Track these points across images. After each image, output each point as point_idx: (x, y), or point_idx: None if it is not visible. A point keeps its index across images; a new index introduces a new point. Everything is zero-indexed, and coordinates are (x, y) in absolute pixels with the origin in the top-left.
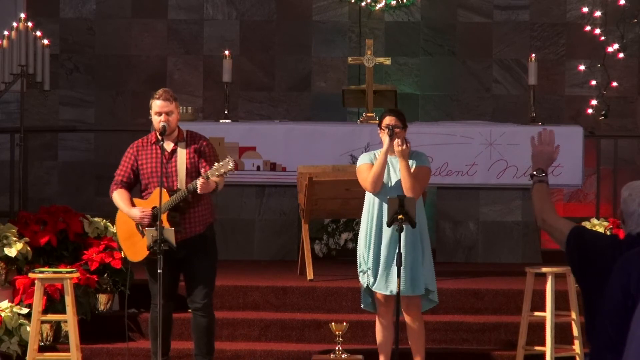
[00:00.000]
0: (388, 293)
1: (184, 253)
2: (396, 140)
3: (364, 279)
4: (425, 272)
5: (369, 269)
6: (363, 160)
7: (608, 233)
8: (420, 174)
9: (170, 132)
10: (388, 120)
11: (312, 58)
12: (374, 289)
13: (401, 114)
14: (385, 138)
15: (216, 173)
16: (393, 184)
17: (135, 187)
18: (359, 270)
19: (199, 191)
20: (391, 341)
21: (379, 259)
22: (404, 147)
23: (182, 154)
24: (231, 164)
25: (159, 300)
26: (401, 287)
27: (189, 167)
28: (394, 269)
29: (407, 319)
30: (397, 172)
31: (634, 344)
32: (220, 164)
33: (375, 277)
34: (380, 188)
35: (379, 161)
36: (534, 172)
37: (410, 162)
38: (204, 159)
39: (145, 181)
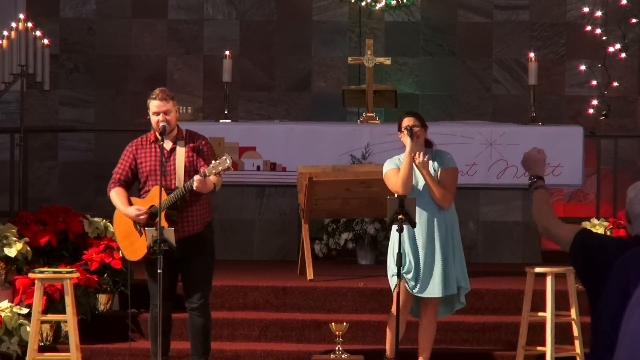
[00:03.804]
0: (429, 296)
1: (182, 253)
2: (416, 153)
3: (393, 282)
4: (456, 271)
5: (408, 272)
6: (389, 166)
7: (608, 233)
8: (448, 177)
9: (170, 131)
10: (407, 121)
11: (312, 58)
12: (416, 293)
13: (418, 114)
14: (406, 139)
15: (213, 171)
16: (420, 185)
17: (134, 186)
18: (389, 273)
19: (195, 188)
20: (401, 339)
21: (418, 262)
22: (424, 159)
23: (180, 153)
24: (228, 161)
25: (159, 300)
26: (434, 289)
27: (187, 165)
28: (435, 271)
29: (424, 318)
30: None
31: (626, 339)
32: (218, 161)
33: (415, 281)
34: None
35: (405, 163)
36: (533, 179)
37: (437, 162)
38: (202, 158)
39: (144, 179)
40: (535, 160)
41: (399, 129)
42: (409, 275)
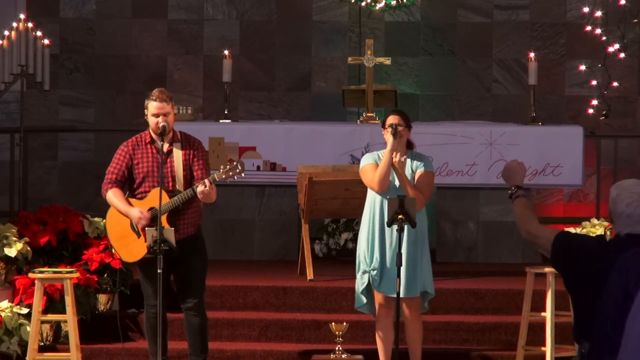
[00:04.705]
0: (394, 295)
1: (177, 254)
2: (394, 152)
3: (364, 279)
4: (423, 274)
5: (374, 269)
6: (367, 160)
7: (608, 233)
8: (425, 180)
9: (168, 132)
10: (391, 119)
11: (312, 58)
12: (380, 290)
13: (405, 113)
14: (389, 137)
15: (223, 176)
16: (397, 183)
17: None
18: (358, 270)
19: (198, 193)
20: (392, 342)
21: (384, 260)
22: (401, 159)
23: (178, 155)
24: (240, 167)
25: (159, 300)
26: (402, 289)
27: (184, 168)
28: (401, 271)
29: (407, 319)
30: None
31: (629, 343)
32: (228, 167)
33: (380, 278)
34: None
35: (385, 160)
36: (511, 190)
37: (415, 164)
38: (197, 162)
39: (139, 180)
40: (514, 170)
41: (383, 126)
42: (375, 272)
